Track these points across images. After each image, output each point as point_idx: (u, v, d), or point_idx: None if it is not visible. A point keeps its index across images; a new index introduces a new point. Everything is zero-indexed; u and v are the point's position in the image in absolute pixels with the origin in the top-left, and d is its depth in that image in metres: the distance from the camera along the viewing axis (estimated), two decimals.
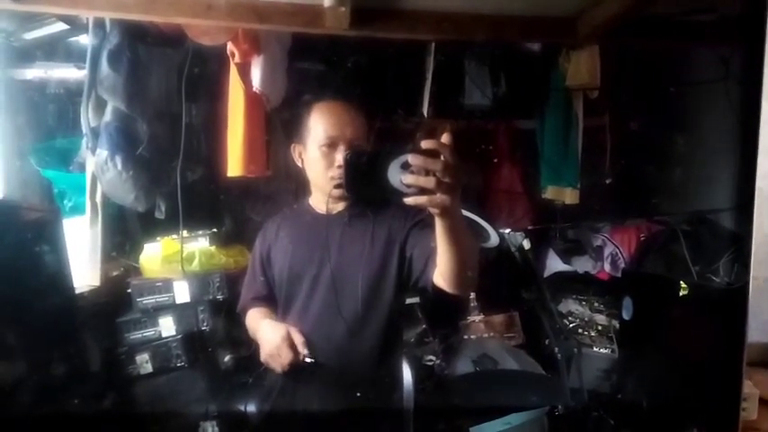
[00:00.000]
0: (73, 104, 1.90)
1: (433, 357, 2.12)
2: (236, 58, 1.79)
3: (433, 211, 1.00)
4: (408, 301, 1.87)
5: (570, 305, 2.49)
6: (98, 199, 1.89)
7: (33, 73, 1.96)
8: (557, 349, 1.74)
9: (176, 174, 1.84)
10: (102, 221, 1.90)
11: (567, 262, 2.52)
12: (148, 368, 1.83)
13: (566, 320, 2.40)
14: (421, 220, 1.36)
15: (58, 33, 1.89)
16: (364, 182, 1.04)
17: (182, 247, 1.84)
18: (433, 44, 2.14)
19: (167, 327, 1.86)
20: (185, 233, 1.87)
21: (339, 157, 1.35)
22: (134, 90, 1.80)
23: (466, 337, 2.35)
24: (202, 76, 1.91)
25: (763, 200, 1.21)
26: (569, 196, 2.38)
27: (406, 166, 0.96)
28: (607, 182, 2.43)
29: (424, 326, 2.20)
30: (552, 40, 2.11)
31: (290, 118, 1.85)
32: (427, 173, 0.94)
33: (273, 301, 1.51)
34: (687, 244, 2.03)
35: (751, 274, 1.23)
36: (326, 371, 1.37)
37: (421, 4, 1.62)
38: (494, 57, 2.31)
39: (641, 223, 2.46)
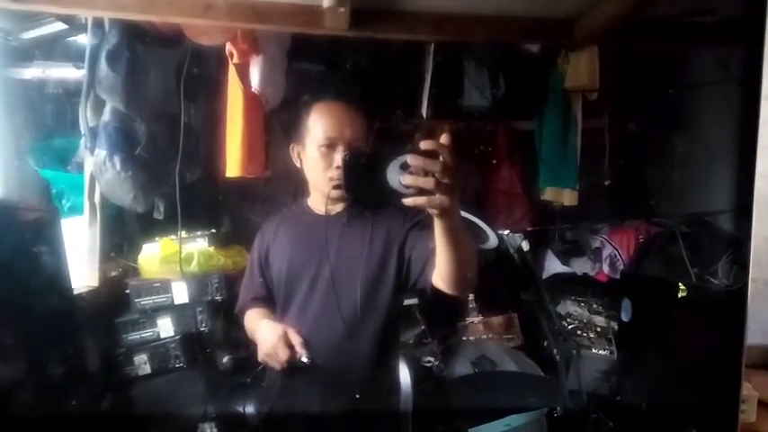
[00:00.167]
0: (71, 104, 1.90)
1: (431, 358, 2.12)
2: (235, 59, 1.79)
3: (432, 211, 1.00)
4: (407, 302, 1.87)
5: (569, 307, 2.49)
6: (96, 199, 1.88)
7: (32, 72, 1.96)
8: (555, 351, 1.74)
9: (175, 174, 1.84)
10: (100, 222, 1.90)
11: (565, 263, 2.52)
12: (147, 369, 1.83)
13: (564, 322, 2.41)
14: (420, 221, 1.36)
15: (57, 33, 1.89)
16: (363, 183, 1.04)
17: (180, 247, 1.84)
18: (433, 45, 2.14)
19: (166, 327, 1.86)
20: (184, 234, 1.87)
21: (338, 157, 1.35)
22: (133, 90, 1.79)
23: (464, 338, 2.35)
24: (201, 76, 1.91)
25: (761, 202, 1.21)
26: (568, 198, 2.38)
27: (404, 167, 0.96)
28: (606, 183, 2.43)
29: (422, 327, 2.20)
30: (551, 42, 2.11)
31: (288, 118, 1.85)
32: (426, 173, 0.94)
33: (272, 302, 1.51)
34: (686, 246, 2.04)
35: (750, 276, 1.23)
36: (325, 372, 1.37)
37: (420, 4, 1.62)
38: (493, 58, 2.32)
39: (640, 225, 2.47)
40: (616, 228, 2.51)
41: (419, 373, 1.97)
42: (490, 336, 2.36)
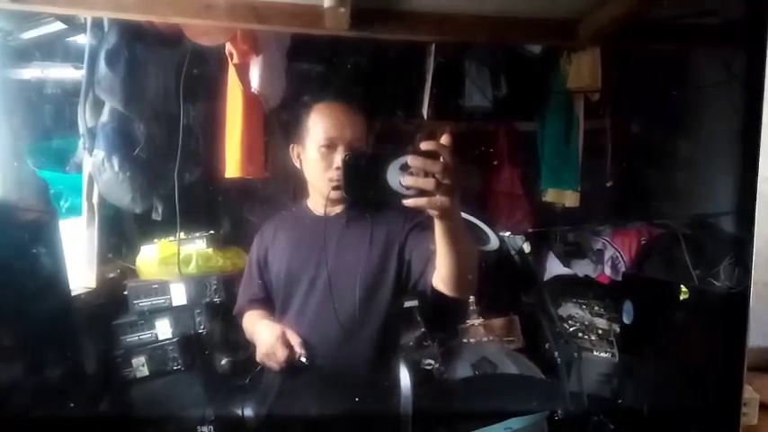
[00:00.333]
0: (70, 105, 1.88)
1: (431, 361, 2.11)
2: (235, 59, 1.78)
3: (433, 213, 1.00)
4: (407, 304, 1.86)
5: (570, 309, 2.48)
6: (95, 200, 1.88)
7: (31, 73, 1.95)
8: (556, 353, 1.73)
9: (174, 175, 1.83)
10: (98, 223, 1.89)
11: (567, 265, 2.51)
12: (144, 371, 1.82)
13: (566, 324, 2.40)
14: (420, 222, 1.35)
15: (56, 33, 1.88)
16: (363, 183, 1.03)
17: (179, 249, 1.83)
18: (434, 45, 2.14)
19: (164, 329, 1.85)
20: (182, 235, 1.86)
21: (338, 158, 1.35)
22: (132, 90, 1.78)
23: (465, 340, 2.34)
24: (201, 76, 1.90)
25: (764, 203, 1.21)
26: (570, 199, 2.37)
27: (405, 168, 0.95)
28: (608, 185, 2.42)
29: (422, 329, 2.19)
30: (553, 43, 2.11)
31: (288, 119, 1.84)
32: (427, 174, 0.93)
33: (270, 304, 1.50)
34: (688, 248, 2.03)
35: (752, 279, 1.23)
36: (323, 374, 1.36)
37: (421, 5, 1.61)
38: (494, 58, 2.31)
39: (642, 227, 2.45)
40: (618, 229, 2.49)
41: (419, 375, 1.96)
42: (491, 338, 2.34)
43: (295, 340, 1.34)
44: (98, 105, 1.81)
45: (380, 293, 1.38)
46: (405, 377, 1.53)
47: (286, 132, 1.85)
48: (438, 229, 1.06)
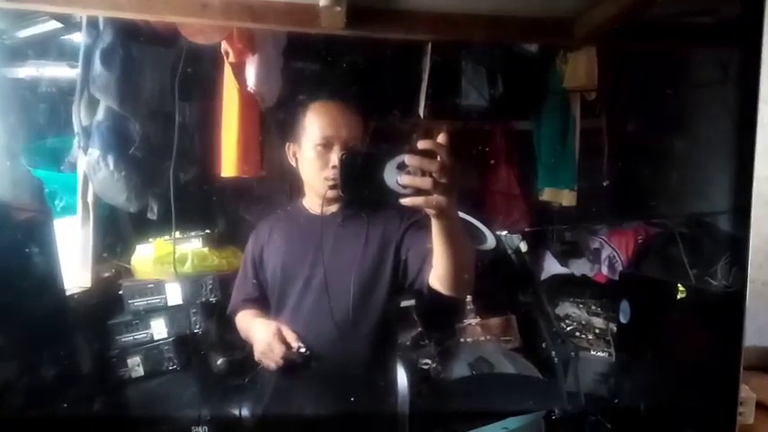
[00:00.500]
0: (65, 103, 1.87)
1: (428, 360, 2.11)
2: (231, 58, 1.77)
3: (430, 212, 0.99)
4: (404, 303, 1.86)
5: (567, 308, 2.48)
6: (89, 199, 1.87)
7: (25, 71, 1.94)
8: (553, 353, 1.73)
9: (169, 174, 1.82)
10: (93, 222, 1.88)
11: (564, 264, 2.52)
12: (140, 371, 1.81)
13: (563, 323, 2.40)
14: (416, 222, 1.35)
15: (51, 32, 1.87)
16: (360, 183, 1.03)
17: (174, 248, 1.82)
18: (430, 44, 2.13)
19: (159, 329, 1.84)
20: (178, 234, 1.85)
21: (334, 157, 1.34)
22: (127, 89, 1.77)
23: (462, 340, 2.34)
24: (196, 75, 1.89)
25: (760, 203, 1.21)
26: (566, 198, 2.37)
27: (402, 167, 0.95)
28: (604, 184, 2.42)
29: (419, 329, 2.19)
30: (550, 42, 2.10)
31: (284, 118, 1.84)
32: (424, 173, 0.93)
33: (264, 303, 1.50)
34: (685, 247, 2.03)
35: (748, 278, 1.23)
36: (320, 374, 1.36)
37: (417, 3, 1.61)
38: (491, 57, 2.31)
39: (639, 226, 2.46)
40: (615, 229, 2.50)
41: (416, 375, 1.96)
42: (488, 337, 2.35)
43: (291, 336, 1.33)
44: (93, 104, 1.80)
45: (376, 293, 1.37)
46: (402, 376, 1.53)
47: (282, 131, 1.84)
48: (435, 228, 1.05)
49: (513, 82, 2.35)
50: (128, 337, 1.83)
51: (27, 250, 1.52)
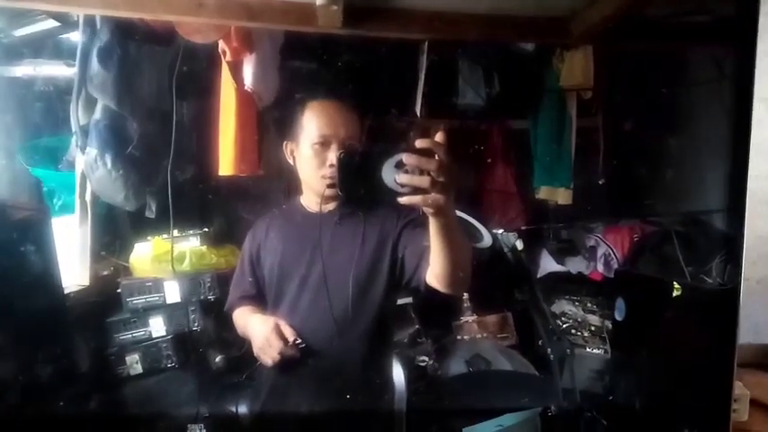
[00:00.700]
0: (62, 102, 1.87)
1: (425, 358, 2.12)
2: (228, 57, 1.77)
3: (427, 210, 1.00)
4: (401, 301, 1.87)
5: (563, 306, 2.49)
6: (87, 198, 1.87)
7: (23, 70, 1.94)
8: (549, 350, 1.74)
9: (167, 173, 1.82)
10: (91, 220, 1.88)
11: (560, 262, 2.52)
12: (138, 369, 1.82)
13: (559, 321, 2.41)
14: (413, 220, 1.35)
15: (48, 30, 1.87)
16: (357, 181, 1.03)
17: (172, 246, 1.82)
18: (427, 43, 2.13)
19: (157, 327, 1.85)
20: (176, 233, 1.86)
21: (332, 155, 1.34)
22: (124, 88, 1.78)
23: (459, 337, 2.34)
24: (193, 74, 1.89)
25: (755, 201, 1.22)
26: (562, 196, 2.38)
27: (400, 166, 0.96)
28: (600, 182, 2.43)
29: (416, 326, 2.20)
30: (546, 41, 2.11)
31: (282, 116, 1.84)
32: (421, 172, 0.94)
33: (261, 301, 1.50)
34: (680, 245, 2.04)
35: (743, 275, 1.24)
36: (317, 371, 1.36)
37: (414, 3, 1.61)
38: (487, 56, 2.32)
39: (634, 224, 2.47)
40: (611, 227, 2.51)
41: (413, 372, 1.97)
42: (484, 335, 2.35)
43: (288, 330, 1.34)
44: (91, 103, 1.80)
45: (374, 290, 1.38)
46: (399, 374, 1.54)
47: (279, 130, 1.84)
48: (432, 226, 1.06)
49: (510, 81, 2.35)
50: (126, 335, 1.83)
51: (25, 249, 1.52)
